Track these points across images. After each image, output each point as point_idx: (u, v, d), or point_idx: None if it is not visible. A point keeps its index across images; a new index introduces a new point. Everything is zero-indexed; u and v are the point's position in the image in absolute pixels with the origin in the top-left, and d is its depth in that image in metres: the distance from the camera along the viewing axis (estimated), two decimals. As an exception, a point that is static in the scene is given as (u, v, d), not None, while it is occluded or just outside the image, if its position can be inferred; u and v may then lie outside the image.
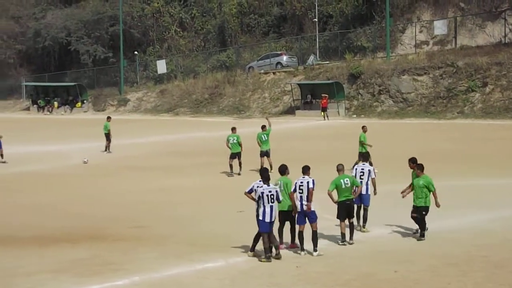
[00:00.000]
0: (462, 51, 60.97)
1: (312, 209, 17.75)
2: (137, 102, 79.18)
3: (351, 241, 18.60)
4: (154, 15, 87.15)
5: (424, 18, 68.08)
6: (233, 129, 33.06)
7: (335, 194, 18.51)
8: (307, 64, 69.80)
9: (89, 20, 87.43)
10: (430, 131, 47.86)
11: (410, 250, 17.99)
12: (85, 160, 36.97)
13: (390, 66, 62.01)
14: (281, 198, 17.37)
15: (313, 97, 64.51)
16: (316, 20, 72.36)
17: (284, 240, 18.40)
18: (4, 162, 37.65)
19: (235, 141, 32.18)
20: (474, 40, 63.20)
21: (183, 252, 18.00)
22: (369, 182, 20.11)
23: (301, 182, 17.82)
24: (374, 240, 19.03)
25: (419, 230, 18.93)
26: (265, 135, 32.21)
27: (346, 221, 18.50)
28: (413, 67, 60.43)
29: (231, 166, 31.93)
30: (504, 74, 55.71)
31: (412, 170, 19.50)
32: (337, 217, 18.64)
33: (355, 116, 60.32)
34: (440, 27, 64.53)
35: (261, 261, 17.08)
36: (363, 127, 32.50)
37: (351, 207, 18.72)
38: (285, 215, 18.20)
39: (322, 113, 60.01)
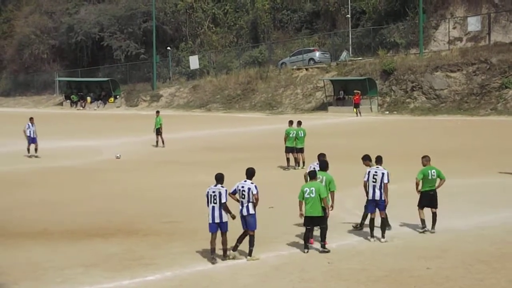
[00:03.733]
0: (495, 47, 60.45)
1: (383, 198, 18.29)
2: (170, 98, 79.45)
3: (432, 230, 19.02)
4: (187, 11, 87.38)
5: (457, 14, 67.56)
6: (291, 122, 33.42)
7: (420, 183, 19.18)
8: (339, 60, 69.65)
9: (122, 15, 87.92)
10: (462, 128, 47.54)
11: (442, 247, 17.87)
12: (118, 155, 37.16)
13: (423, 62, 61.65)
14: (224, 199, 16.70)
15: (346, 93, 64.34)
16: (349, 16, 72.14)
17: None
18: (36, 156, 37.98)
19: (294, 135, 32.38)
20: (508, 36, 62.64)
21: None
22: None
23: (375, 172, 18.34)
24: (406, 236, 18.92)
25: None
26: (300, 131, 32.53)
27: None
28: (446, 64, 60.05)
29: (288, 160, 32.35)
30: (538, 70, 55.23)
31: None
32: (418, 205, 19.22)
33: (387, 112, 60.07)
34: (473, 24, 64.04)
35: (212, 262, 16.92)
36: None
37: (433, 198, 19.19)
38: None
39: (355, 109, 59.88)
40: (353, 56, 70.43)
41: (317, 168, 19.08)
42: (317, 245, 17.99)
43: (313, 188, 17.61)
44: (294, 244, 18.47)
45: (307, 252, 17.54)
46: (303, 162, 31.86)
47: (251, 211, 17.09)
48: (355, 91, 60.95)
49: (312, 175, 18.06)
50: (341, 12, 75.42)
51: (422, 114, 57.28)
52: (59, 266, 16.92)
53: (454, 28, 66.79)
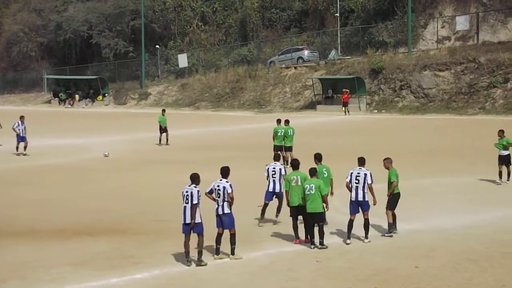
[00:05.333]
0: (484, 47, 60.61)
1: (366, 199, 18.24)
2: (158, 96, 79.34)
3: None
4: (176, 9, 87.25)
5: (446, 13, 67.70)
6: (279, 121, 33.45)
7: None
8: (328, 59, 69.69)
9: (111, 13, 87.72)
10: (450, 127, 47.65)
11: (430, 246, 17.92)
12: (106, 153, 37.08)
13: (412, 61, 61.76)
14: (195, 200, 16.59)
15: (334, 92, 64.39)
16: (337, 15, 72.20)
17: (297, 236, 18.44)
18: (25, 154, 37.87)
19: (282, 133, 32.43)
20: (496, 36, 62.81)
21: (204, 246, 18.02)
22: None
23: (358, 173, 18.26)
24: (394, 236, 18.95)
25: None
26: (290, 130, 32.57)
27: None
28: (434, 63, 60.17)
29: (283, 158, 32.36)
30: (526, 70, 55.41)
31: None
32: (392, 208, 19.02)
33: (376, 111, 60.15)
34: (462, 23, 64.19)
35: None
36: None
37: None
38: (297, 211, 18.40)
39: (343, 108, 59.95)
40: (341, 55, 70.49)
41: (277, 168, 20.06)
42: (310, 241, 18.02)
43: (313, 185, 17.93)
44: (282, 243, 18.49)
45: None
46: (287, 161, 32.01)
47: (226, 210, 17.09)
48: (343, 90, 61.01)
49: (312, 172, 18.29)
50: (330, 11, 75.45)
51: (411, 113, 57.38)
52: (47, 265, 16.90)
53: (442, 27, 66.93)
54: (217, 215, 17.18)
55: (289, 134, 32.33)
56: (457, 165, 31.24)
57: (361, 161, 18.86)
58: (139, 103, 79.26)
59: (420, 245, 18.03)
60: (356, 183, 18.28)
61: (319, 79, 66.61)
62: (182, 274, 16.18)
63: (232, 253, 17.12)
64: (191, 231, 16.70)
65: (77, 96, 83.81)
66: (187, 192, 16.71)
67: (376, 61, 63.45)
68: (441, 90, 58.67)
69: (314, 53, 72.44)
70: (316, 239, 17.93)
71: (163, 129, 42.11)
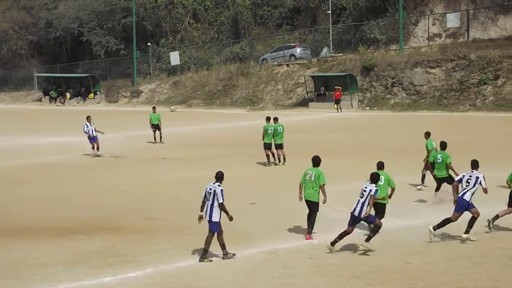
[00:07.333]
0: (474, 44, 60.76)
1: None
2: (150, 94, 79.24)
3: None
4: (167, 6, 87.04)
5: (437, 10, 67.83)
6: (268, 118, 33.43)
7: None
8: (320, 56, 69.72)
9: (102, 11, 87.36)
10: (442, 124, 47.74)
11: (423, 242, 17.96)
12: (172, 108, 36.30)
13: (403, 58, 61.91)
14: (220, 199, 16.68)
15: (327, 89, 64.46)
16: (329, 12, 72.18)
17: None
18: (98, 155, 36.61)
19: (272, 131, 32.39)
20: (487, 33, 62.95)
21: (198, 244, 17.97)
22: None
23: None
24: (388, 232, 18.99)
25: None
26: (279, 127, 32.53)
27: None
28: (425, 60, 60.31)
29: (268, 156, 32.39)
30: (516, 67, 55.58)
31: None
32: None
33: (368, 108, 60.26)
34: (452, 20, 64.31)
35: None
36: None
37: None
38: (308, 204, 18.58)
39: (335, 105, 60.00)
40: (333, 52, 70.52)
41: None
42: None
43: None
44: (277, 240, 18.51)
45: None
46: (284, 158, 32.01)
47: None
48: (335, 87, 61.05)
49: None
50: (321, 8, 75.47)
51: (402, 110, 57.50)
52: (40, 263, 16.88)
53: (433, 24, 67.05)
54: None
55: (279, 131, 32.35)
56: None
57: (474, 164, 18.41)
58: (131, 100, 79.14)
59: (413, 242, 18.07)
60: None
61: (311, 76, 66.66)
62: (176, 272, 16.18)
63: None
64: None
65: (68, 94, 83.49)
66: (210, 189, 16.80)
67: (368, 59, 63.55)
68: (432, 87, 58.82)
69: (306, 51, 72.46)
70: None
71: (155, 127, 42.00)
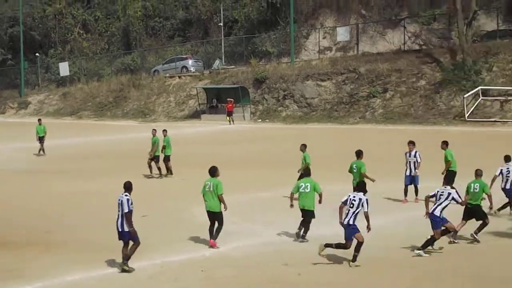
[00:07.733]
0: (363, 57, 61.94)
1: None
2: (39, 105, 77.64)
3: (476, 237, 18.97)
4: (56, 16, 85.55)
5: (327, 24, 68.96)
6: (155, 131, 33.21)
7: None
8: (212, 68, 69.79)
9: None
10: (333, 136, 48.46)
11: (310, 253, 17.99)
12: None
13: (294, 71, 62.58)
14: (126, 209, 16.56)
15: (219, 101, 64.50)
16: (221, 24, 72.45)
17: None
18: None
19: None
20: (375, 47, 64.35)
21: (83, 258, 17.60)
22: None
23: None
24: (278, 243, 18.99)
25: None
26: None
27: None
28: (316, 73, 61.09)
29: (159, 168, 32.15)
30: (403, 80, 56.86)
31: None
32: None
33: (260, 120, 60.61)
34: (342, 34, 65.49)
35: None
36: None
37: (471, 211, 19.31)
38: (211, 215, 18.65)
39: (228, 117, 60.09)
40: (226, 64, 70.75)
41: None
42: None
43: (308, 184, 19.21)
44: (169, 253, 18.29)
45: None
46: (170, 170, 31.90)
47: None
48: (228, 99, 61.19)
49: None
50: (213, 21, 75.68)
51: (294, 122, 58.03)
52: None
53: (324, 38, 68.10)
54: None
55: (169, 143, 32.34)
56: (333, 172, 31.68)
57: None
58: (19, 112, 77.37)
59: (299, 252, 18.14)
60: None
61: (204, 88, 66.62)
62: (64, 286, 15.76)
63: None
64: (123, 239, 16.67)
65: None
66: (119, 200, 16.68)
67: (260, 71, 63.97)
68: (323, 100, 59.61)
69: (198, 63, 72.45)
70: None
71: (40, 139, 41.35)
